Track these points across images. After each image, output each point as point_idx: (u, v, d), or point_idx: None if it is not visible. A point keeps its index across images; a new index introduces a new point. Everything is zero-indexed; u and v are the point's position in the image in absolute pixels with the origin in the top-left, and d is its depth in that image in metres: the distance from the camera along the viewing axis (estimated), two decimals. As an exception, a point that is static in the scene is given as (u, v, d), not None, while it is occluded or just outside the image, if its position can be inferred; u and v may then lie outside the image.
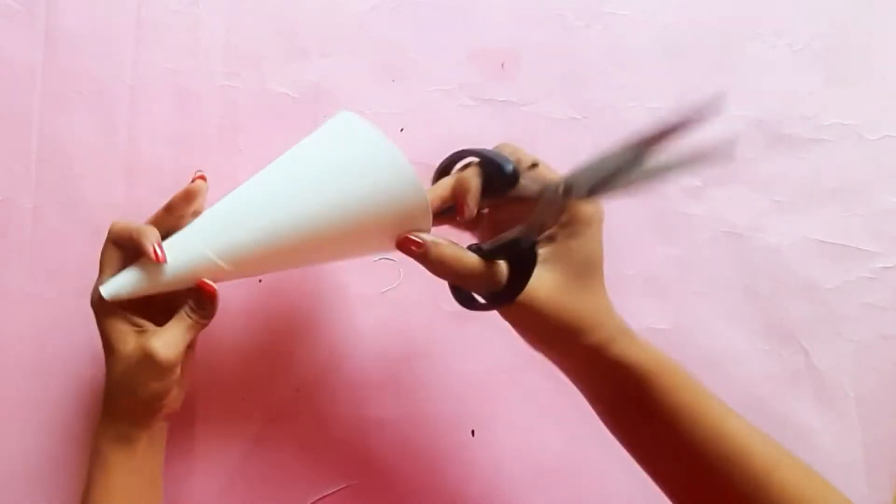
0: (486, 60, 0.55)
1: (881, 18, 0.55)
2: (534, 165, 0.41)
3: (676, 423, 0.39)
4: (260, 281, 0.53)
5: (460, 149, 0.44)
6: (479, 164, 0.42)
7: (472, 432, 0.53)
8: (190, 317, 0.44)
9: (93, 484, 0.44)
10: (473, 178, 0.42)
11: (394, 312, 0.54)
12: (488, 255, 0.40)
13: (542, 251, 0.40)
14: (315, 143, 0.43)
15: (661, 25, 0.55)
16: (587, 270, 0.41)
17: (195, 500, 0.52)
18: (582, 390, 0.43)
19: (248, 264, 0.42)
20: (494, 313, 0.41)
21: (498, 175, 0.41)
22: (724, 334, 0.54)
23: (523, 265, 0.39)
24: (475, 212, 0.42)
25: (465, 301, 0.43)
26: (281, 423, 0.53)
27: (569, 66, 0.55)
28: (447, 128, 0.54)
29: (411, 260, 0.41)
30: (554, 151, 0.54)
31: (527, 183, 0.41)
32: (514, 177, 0.41)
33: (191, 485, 0.52)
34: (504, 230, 0.40)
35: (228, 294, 0.51)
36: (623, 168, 0.36)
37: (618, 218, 0.55)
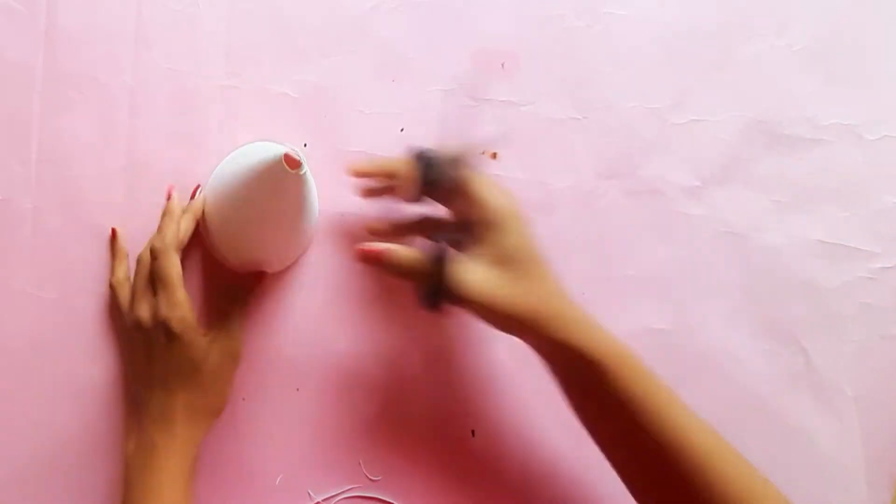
0: (486, 60, 0.55)
1: (881, 19, 0.55)
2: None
3: (625, 410, 0.41)
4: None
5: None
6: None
7: (472, 432, 0.53)
8: None
9: (140, 468, 0.46)
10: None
11: (394, 312, 0.54)
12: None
13: (467, 248, 0.44)
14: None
15: (661, 25, 0.55)
16: (517, 261, 0.43)
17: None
18: (552, 377, 0.45)
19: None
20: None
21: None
22: (724, 334, 0.54)
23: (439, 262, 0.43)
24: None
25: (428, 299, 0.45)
26: (281, 423, 0.53)
27: (569, 66, 0.55)
28: (447, 128, 0.54)
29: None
30: (554, 151, 0.55)
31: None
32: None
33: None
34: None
35: (228, 294, 0.52)
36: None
37: (618, 218, 0.55)
